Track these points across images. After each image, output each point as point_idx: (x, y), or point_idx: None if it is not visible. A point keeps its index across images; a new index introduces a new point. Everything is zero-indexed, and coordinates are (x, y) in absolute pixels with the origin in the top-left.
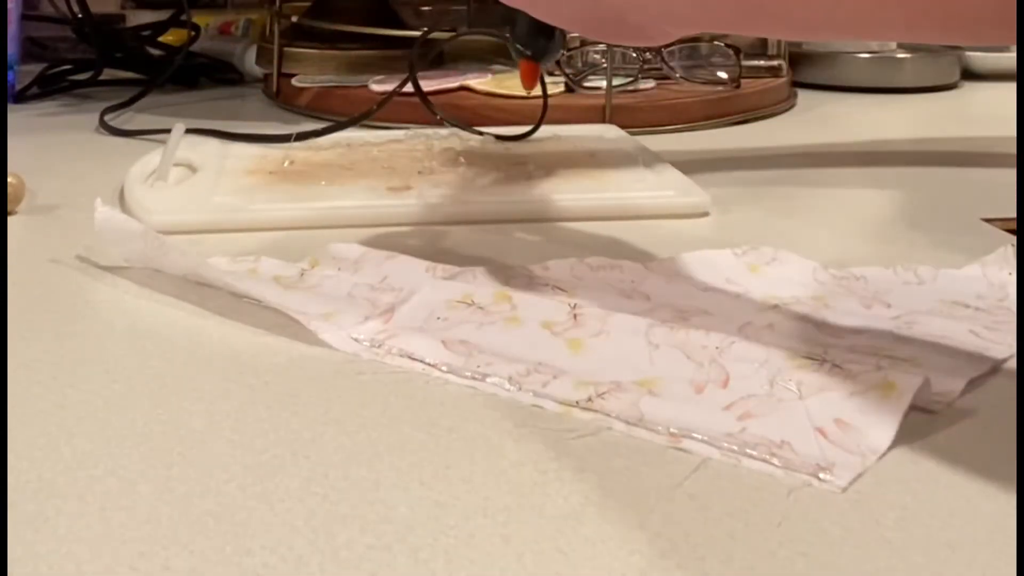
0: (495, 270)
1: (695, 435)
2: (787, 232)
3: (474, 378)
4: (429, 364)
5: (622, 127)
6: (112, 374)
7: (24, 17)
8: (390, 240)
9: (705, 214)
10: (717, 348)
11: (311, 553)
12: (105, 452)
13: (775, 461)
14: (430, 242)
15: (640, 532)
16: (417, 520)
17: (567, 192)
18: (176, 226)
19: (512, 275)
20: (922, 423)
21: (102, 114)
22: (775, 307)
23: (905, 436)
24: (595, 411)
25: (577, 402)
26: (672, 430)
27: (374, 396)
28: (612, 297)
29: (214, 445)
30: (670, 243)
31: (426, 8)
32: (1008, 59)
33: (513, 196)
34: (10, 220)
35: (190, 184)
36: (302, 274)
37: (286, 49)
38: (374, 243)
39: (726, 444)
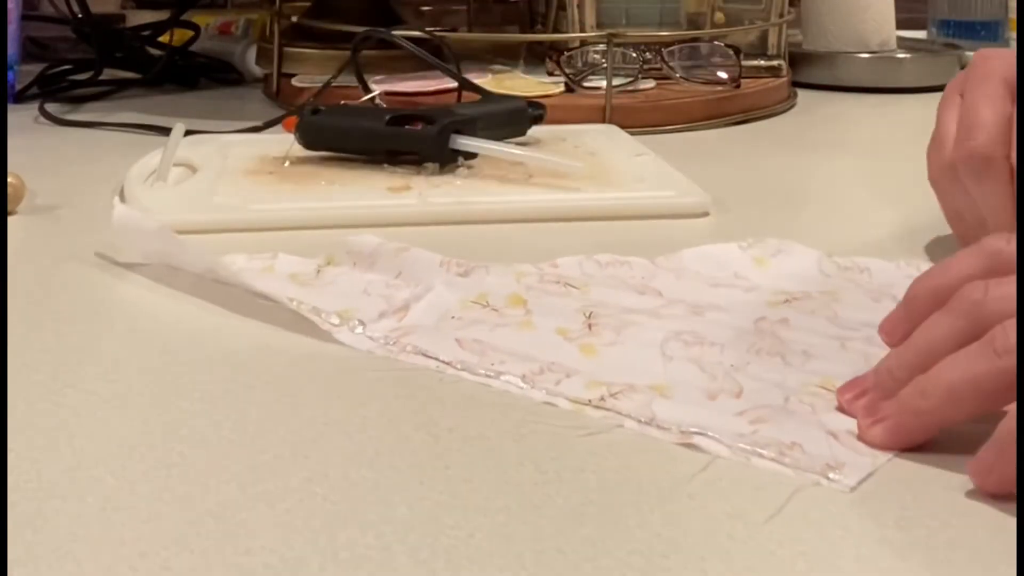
0: (507, 267)
1: (707, 433)
2: (787, 232)
3: (488, 375)
4: (443, 362)
5: (622, 127)
6: (112, 374)
7: (24, 17)
8: (391, 240)
9: (705, 214)
10: (732, 366)
11: (311, 553)
12: (105, 452)
13: (785, 460)
14: (431, 242)
15: (640, 532)
16: (417, 520)
17: (567, 192)
18: (176, 226)
19: (523, 272)
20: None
21: None
22: (786, 302)
23: None
24: (607, 409)
25: (590, 400)
26: (683, 429)
27: (374, 396)
28: (625, 293)
29: (214, 445)
30: (670, 243)
31: (426, 8)
32: None
33: (513, 196)
34: (10, 220)
35: (190, 184)
36: (318, 271)
37: (286, 49)
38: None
39: (737, 444)
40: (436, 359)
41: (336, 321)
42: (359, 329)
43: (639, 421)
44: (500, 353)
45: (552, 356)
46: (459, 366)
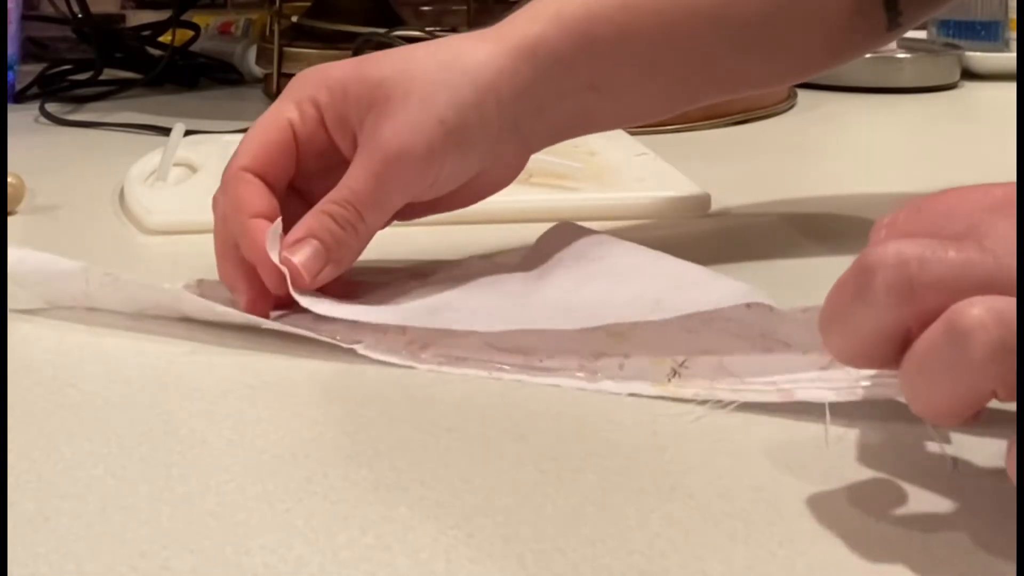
0: (457, 266)
1: (803, 383)
2: (787, 232)
3: (558, 376)
4: (496, 365)
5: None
6: (112, 374)
7: (24, 17)
8: (388, 239)
9: (705, 214)
10: (762, 329)
11: (311, 553)
12: (105, 452)
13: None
14: (429, 242)
15: (640, 532)
16: (417, 520)
17: (567, 192)
18: (176, 226)
19: (478, 269)
20: (919, 422)
21: None
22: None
23: (903, 436)
24: (690, 384)
25: (668, 378)
26: (782, 386)
27: (374, 396)
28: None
29: (214, 445)
30: (670, 243)
31: (426, 8)
32: (1008, 59)
33: (513, 196)
34: (10, 220)
35: (190, 184)
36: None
37: (286, 49)
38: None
39: (840, 384)
40: (490, 362)
41: (357, 339)
42: (383, 347)
43: (731, 388)
44: (540, 352)
45: (590, 346)
46: (512, 369)
